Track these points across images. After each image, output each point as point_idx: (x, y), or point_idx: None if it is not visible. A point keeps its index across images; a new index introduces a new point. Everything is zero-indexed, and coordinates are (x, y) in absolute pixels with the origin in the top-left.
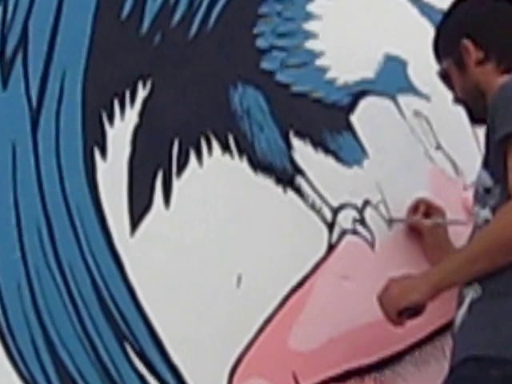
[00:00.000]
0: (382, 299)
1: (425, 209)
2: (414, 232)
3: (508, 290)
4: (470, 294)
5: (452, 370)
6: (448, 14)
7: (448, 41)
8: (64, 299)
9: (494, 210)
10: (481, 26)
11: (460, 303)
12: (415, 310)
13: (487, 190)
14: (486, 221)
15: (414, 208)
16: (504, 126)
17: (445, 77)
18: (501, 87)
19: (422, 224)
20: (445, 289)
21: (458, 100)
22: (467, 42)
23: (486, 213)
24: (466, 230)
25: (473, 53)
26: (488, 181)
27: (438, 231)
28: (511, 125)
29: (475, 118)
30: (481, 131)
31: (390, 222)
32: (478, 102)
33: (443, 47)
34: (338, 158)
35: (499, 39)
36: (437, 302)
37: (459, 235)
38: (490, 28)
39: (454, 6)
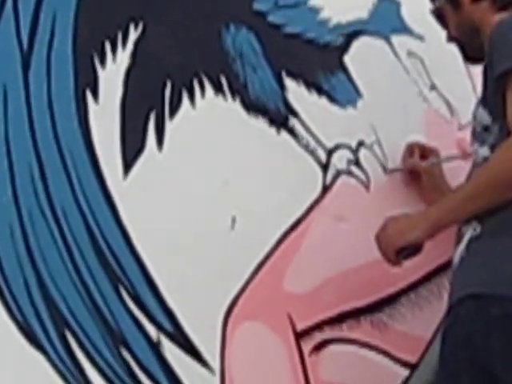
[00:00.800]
0: (379, 238)
1: (420, 152)
2: (408, 173)
3: (507, 228)
4: (469, 232)
5: (450, 309)
6: None
7: None
8: (57, 242)
9: (492, 148)
10: None
11: (458, 241)
12: (413, 249)
13: (485, 128)
14: (485, 158)
15: (410, 153)
16: (502, 62)
17: (439, 15)
18: (498, 23)
19: (419, 166)
20: (443, 227)
21: (451, 38)
22: None
23: (484, 150)
24: (462, 169)
25: None
26: (486, 118)
27: (434, 172)
28: (509, 61)
29: (469, 57)
30: (475, 71)
31: (389, 172)
32: (473, 39)
33: None
34: (332, 99)
35: None
36: (432, 242)
37: (455, 174)
38: None
39: None
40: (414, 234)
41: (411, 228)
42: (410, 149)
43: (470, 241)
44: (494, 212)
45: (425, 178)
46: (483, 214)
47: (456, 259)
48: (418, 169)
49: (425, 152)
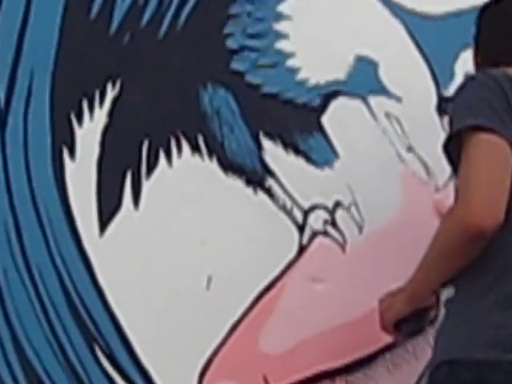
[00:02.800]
0: (380, 314)
1: None
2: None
3: (480, 292)
4: (445, 296)
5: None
6: None
7: None
8: (32, 300)
9: None
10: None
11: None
12: (415, 325)
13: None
14: None
15: None
16: (451, 127)
17: None
18: (464, 80)
19: None
20: (421, 297)
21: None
22: None
23: None
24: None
25: None
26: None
27: None
28: (455, 125)
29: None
30: None
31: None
32: None
33: None
34: (309, 159)
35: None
36: None
37: None
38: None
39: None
40: (396, 308)
41: (394, 302)
42: None
43: (447, 304)
44: (467, 276)
45: None
46: (457, 277)
47: (437, 325)
48: None
49: None
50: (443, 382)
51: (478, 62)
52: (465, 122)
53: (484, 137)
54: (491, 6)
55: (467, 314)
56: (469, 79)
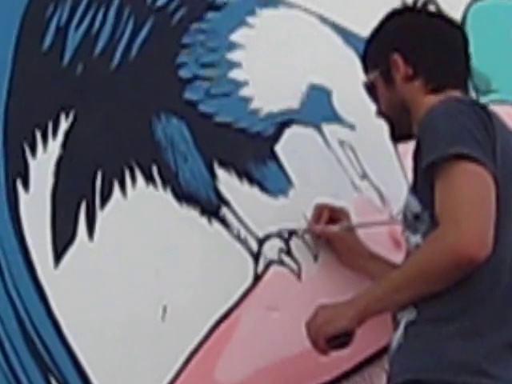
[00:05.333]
0: (309, 327)
1: (328, 215)
2: (318, 237)
3: (446, 315)
4: (405, 318)
5: None
6: (380, 26)
7: (377, 53)
8: None
9: (425, 236)
10: (413, 41)
11: (396, 327)
12: (344, 340)
13: (416, 216)
14: (417, 246)
15: (318, 216)
16: (430, 152)
17: (370, 89)
18: (429, 110)
19: (329, 230)
20: (371, 315)
21: (381, 113)
22: (397, 56)
23: (417, 238)
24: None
25: (401, 68)
26: (416, 206)
27: (346, 235)
28: (437, 151)
29: (397, 134)
30: (406, 159)
31: (300, 234)
32: (403, 117)
33: (372, 59)
34: (263, 188)
35: (430, 57)
36: (363, 330)
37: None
38: (422, 44)
39: (387, 18)
40: (342, 322)
41: (339, 316)
42: (319, 212)
43: (407, 326)
44: (431, 298)
45: (338, 243)
46: (420, 300)
47: (393, 345)
48: (328, 234)
49: (334, 214)
50: None
51: (400, 68)
52: (448, 149)
53: (470, 167)
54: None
55: (432, 337)
56: (441, 105)
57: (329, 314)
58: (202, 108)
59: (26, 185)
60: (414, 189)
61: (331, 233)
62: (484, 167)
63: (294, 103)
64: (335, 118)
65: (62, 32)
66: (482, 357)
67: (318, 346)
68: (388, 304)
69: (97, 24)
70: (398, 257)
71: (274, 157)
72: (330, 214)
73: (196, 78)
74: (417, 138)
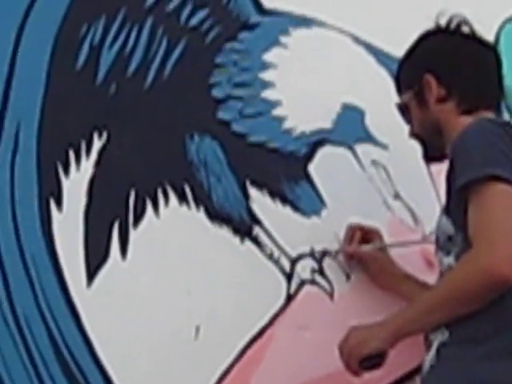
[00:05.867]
0: (342, 348)
1: (361, 235)
2: (350, 258)
3: (478, 336)
4: (438, 339)
5: None
6: (414, 47)
7: (411, 73)
8: (21, 352)
9: (458, 257)
10: (446, 62)
11: (427, 348)
12: (376, 361)
13: (449, 238)
14: (450, 267)
15: (350, 237)
16: (464, 173)
17: (403, 110)
18: (462, 133)
19: (362, 251)
20: (404, 337)
21: (413, 135)
22: (430, 78)
23: (450, 260)
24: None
25: (434, 89)
26: (449, 228)
27: (379, 255)
28: (470, 173)
29: (430, 155)
30: (439, 179)
31: (335, 254)
32: (435, 139)
33: (405, 79)
34: (296, 208)
35: (463, 79)
36: (396, 351)
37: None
38: (455, 66)
39: (421, 39)
40: (375, 343)
41: (372, 337)
42: (351, 232)
43: (439, 347)
44: (463, 319)
45: (371, 264)
46: (452, 321)
47: (426, 366)
48: (360, 254)
49: (367, 235)
50: None
51: (433, 89)
52: (481, 171)
53: (503, 188)
54: (443, 46)
55: (464, 359)
56: (473, 126)
57: (362, 336)
58: (235, 128)
59: (59, 204)
60: (447, 210)
61: (364, 253)
62: None
63: (327, 123)
64: (368, 138)
65: (96, 51)
66: None
67: (351, 367)
68: (420, 326)
69: (130, 43)
70: (430, 277)
71: (306, 177)
72: (363, 234)
73: (229, 97)
74: (450, 159)
